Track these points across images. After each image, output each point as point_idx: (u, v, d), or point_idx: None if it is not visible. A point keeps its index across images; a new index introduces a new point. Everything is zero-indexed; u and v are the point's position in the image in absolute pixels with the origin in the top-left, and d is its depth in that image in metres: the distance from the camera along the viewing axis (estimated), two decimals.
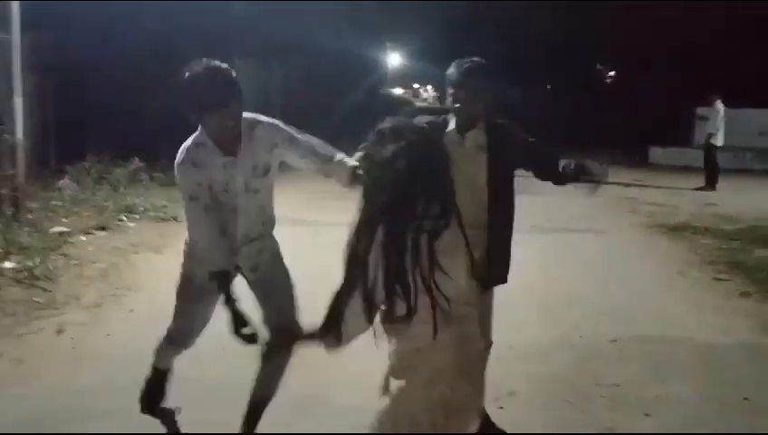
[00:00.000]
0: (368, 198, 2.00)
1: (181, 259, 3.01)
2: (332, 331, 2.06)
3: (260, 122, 2.85)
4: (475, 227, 2.83)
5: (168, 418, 3.15)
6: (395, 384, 2.08)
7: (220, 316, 2.85)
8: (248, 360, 2.99)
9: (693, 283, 6.15)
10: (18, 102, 7.54)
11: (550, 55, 21.56)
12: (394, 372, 2.09)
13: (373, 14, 22.80)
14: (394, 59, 36.98)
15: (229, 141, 2.74)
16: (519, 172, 3.11)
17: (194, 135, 2.79)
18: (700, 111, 12.90)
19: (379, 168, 1.99)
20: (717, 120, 12.58)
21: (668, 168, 15.68)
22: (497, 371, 3.09)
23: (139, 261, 6.46)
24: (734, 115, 14.84)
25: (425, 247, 1.94)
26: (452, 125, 3.11)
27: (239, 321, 2.73)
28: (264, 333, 2.85)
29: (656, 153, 17.28)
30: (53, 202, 8.29)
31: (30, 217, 7.38)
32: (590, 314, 5.04)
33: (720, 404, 3.68)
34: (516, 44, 20.49)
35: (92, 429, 3.26)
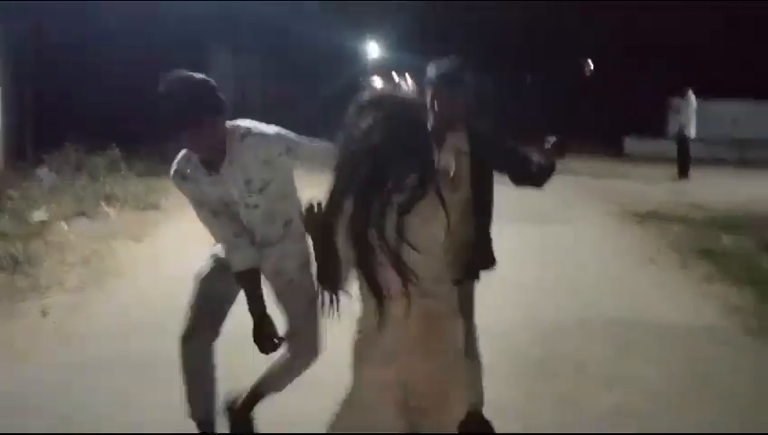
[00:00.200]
0: (341, 171, 1.93)
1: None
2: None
3: (251, 134, 2.57)
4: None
5: None
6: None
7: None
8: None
9: (661, 268, 6.37)
10: None
11: (529, 47, 21.72)
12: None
13: (353, 3, 22.78)
14: (374, 50, 36.99)
15: (212, 157, 2.54)
16: None
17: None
18: (673, 102, 13.17)
19: (356, 141, 1.91)
20: (689, 111, 12.86)
21: (643, 158, 15.96)
22: None
23: (120, 248, 6.53)
24: (708, 106, 15.16)
25: (393, 221, 1.87)
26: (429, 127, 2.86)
27: (262, 326, 2.63)
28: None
29: (631, 144, 17.57)
30: (32, 190, 8.32)
31: (10, 204, 7.42)
32: (560, 297, 5.22)
33: (680, 381, 3.88)
34: (496, 35, 20.61)
35: (77, 402, 3.38)
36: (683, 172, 12.76)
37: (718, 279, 5.91)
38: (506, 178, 3.00)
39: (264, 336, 2.63)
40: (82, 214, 7.59)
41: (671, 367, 4.06)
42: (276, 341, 2.65)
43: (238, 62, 18.86)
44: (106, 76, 12.60)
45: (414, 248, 1.88)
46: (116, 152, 10.32)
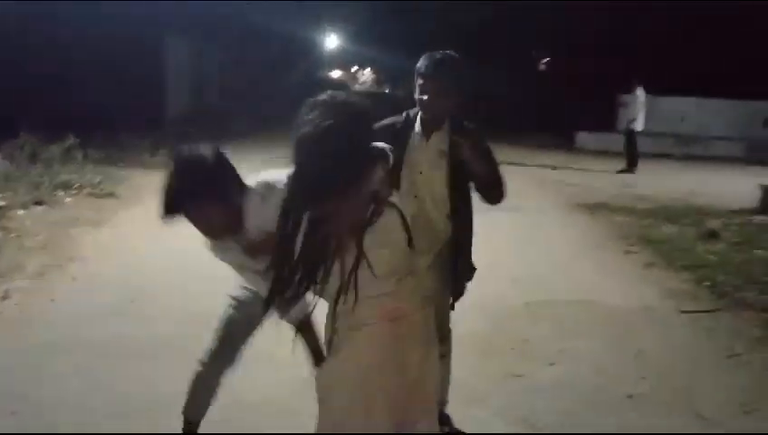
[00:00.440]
0: (292, 181, 1.89)
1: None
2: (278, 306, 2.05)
3: (272, 193, 2.24)
4: (434, 231, 2.90)
5: None
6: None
7: None
8: None
9: (605, 254, 6.70)
10: None
11: (483, 41, 22.05)
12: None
13: None
14: (332, 41, 36.96)
15: (220, 234, 2.37)
16: None
17: None
18: (622, 98, 13.60)
19: (303, 148, 1.84)
20: (638, 106, 13.31)
21: (593, 151, 16.42)
22: None
23: (79, 234, 6.56)
24: (657, 102, 15.68)
25: (347, 240, 1.86)
26: (418, 126, 2.89)
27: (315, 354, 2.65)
28: None
29: (582, 138, 18.01)
30: None
31: None
32: (508, 281, 5.48)
33: (617, 356, 4.17)
34: (450, 29, 20.86)
35: (41, 384, 3.48)
36: (631, 166, 13.22)
37: (658, 265, 6.26)
38: None
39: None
40: (39, 202, 7.56)
41: (611, 344, 4.35)
42: None
43: (195, 54, 18.72)
44: (63, 67, 12.49)
45: (370, 267, 1.88)
46: (72, 141, 10.24)
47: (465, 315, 4.74)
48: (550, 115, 18.86)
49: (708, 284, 5.64)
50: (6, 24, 11.90)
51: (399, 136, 2.83)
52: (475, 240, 3.12)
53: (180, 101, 16.92)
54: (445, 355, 2.94)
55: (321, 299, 2.03)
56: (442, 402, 3.05)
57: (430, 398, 2.11)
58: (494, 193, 2.91)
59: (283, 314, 2.37)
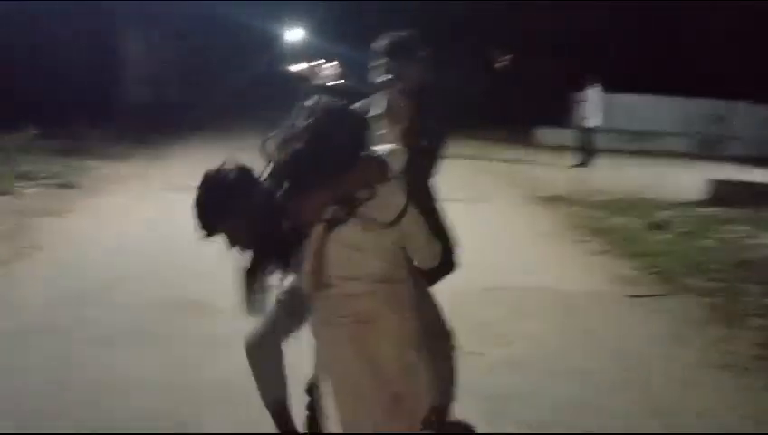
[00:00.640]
0: (270, 177, 2.03)
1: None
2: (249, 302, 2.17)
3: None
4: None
5: None
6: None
7: None
8: None
9: (559, 243, 6.99)
10: None
11: (443, 37, 22.31)
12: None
13: None
14: (293, 34, 36.81)
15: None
16: None
17: None
18: (578, 94, 13.99)
19: (282, 147, 1.99)
20: (593, 103, 13.72)
21: (551, 147, 16.79)
22: None
23: (42, 224, 6.58)
24: (612, 99, 16.12)
25: (315, 239, 1.99)
26: (374, 109, 2.75)
27: None
28: None
29: (540, 133, 18.40)
30: None
31: None
32: (466, 269, 5.67)
33: (567, 335, 4.44)
34: (410, 25, 21.04)
35: (8, 368, 3.57)
36: (585, 161, 13.62)
37: (609, 253, 6.57)
38: None
39: None
40: (1, 192, 7.53)
41: (560, 325, 4.61)
42: None
43: (154, 46, 18.56)
44: (21, 58, 12.32)
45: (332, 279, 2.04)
46: (30, 132, 10.15)
47: None
48: (509, 111, 19.20)
49: (655, 270, 5.95)
50: None
51: None
52: None
53: (139, 92, 16.79)
54: (448, 355, 2.87)
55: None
56: (446, 402, 2.82)
57: (413, 398, 2.16)
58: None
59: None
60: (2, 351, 3.76)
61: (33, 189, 8.05)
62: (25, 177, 8.39)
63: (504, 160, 13.53)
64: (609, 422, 3.33)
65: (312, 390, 2.55)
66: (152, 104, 16.67)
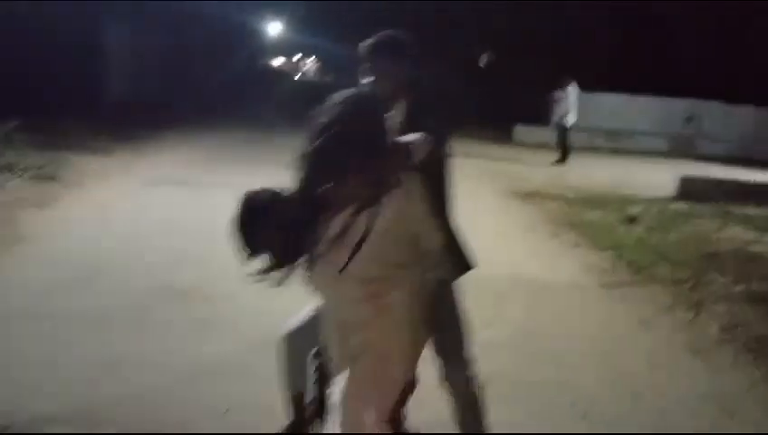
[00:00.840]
0: (301, 166, 2.07)
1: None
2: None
3: None
4: None
5: None
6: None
7: None
8: None
9: (536, 237, 7.22)
10: None
11: (425, 37, 22.51)
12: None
13: None
14: (274, 29, 36.78)
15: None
16: None
17: None
18: (556, 94, 14.26)
19: (313, 135, 2.02)
20: (570, 101, 14.01)
21: (530, 145, 17.10)
22: None
23: (26, 215, 6.63)
24: (588, 98, 16.45)
25: (342, 222, 2.06)
26: None
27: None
28: None
29: (520, 132, 18.69)
30: None
31: None
32: None
33: (540, 319, 4.70)
34: (392, 23, 21.17)
35: (13, 348, 3.70)
36: (563, 158, 13.91)
37: (583, 246, 6.82)
38: None
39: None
40: None
41: (538, 311, 4.84)
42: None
43: (136, 40, 18.52)
44: (3, 52, 12.28)
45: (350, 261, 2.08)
46: (12, 124, 10.15)
47: None
48: (489, 110, 19.47)
49: (626, 262, 6.21)
50: None
51: None
52: None
53: (121, 87, 16.77)
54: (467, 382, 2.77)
55: None
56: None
57: (401, 383, 2.24)
58: None
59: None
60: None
61: (16, 181, 8.08)
62: (8, 168, 8.41)
63: (485, 158, 13.77)
64: (580, 398, 3.56)
65: (319, 354, 2.64)
66: (134, 99, 16.67)
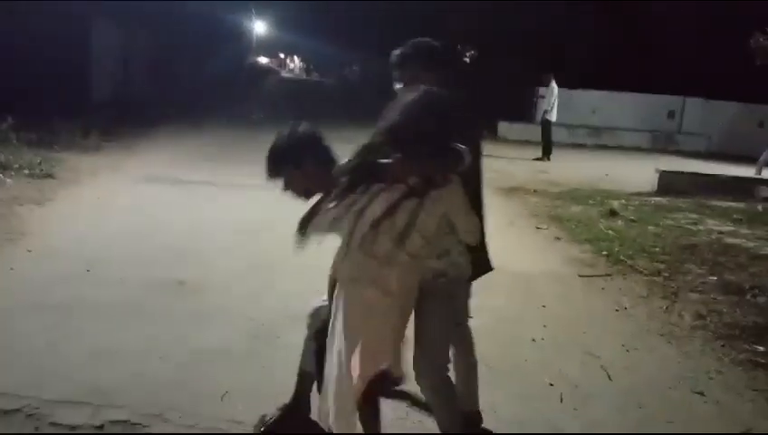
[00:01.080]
0: (383, 131, 2.19)
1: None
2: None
3: None
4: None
5: None
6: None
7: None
8: None
9: (519, 230, 7.45)
10: None
11: (409, 34, 22.66)
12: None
13: None
14: (260, 27, 36.81)
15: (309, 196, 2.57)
16: None
17: None
18: (539, 90, 14.51)
19: (403, 107, 2.16)
20: (552, 98, 14.27)
21: (514, 141, 17.35)
22: None
23: (25, 211, 6.77)
24: (570, 95, 16.73)
25: (390, 199, 2.21)
26: None
27: None
28: None
29: (504, 128, 18.94)
30: None
31: None
32: None
33: (523, 309, 4.92)
34: (377, 21, 21.31)
35: (18, 339, 3.87)
36: (546, 154, 14.17)
37: (564, 239, 7.07)
38: None
39: None
40: None
41: (520, 300, 5.07)
42: None
43: (123, 39, 18.57)
44: None
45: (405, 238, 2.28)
46: (6, 122, 10.26)
47: None
48: (474, 106, 19.64)
49: (605, 253, 6.47)
50: None
51: None
52: None
53: (108, 85, 16.83)
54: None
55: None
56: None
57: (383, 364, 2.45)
58: None
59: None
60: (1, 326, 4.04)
61: (11, 179, 8.21)
62: (3, 166, 8.53)
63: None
64: (558, 380, 3.79)
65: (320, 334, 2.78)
66: (123, 98, 16.74)
